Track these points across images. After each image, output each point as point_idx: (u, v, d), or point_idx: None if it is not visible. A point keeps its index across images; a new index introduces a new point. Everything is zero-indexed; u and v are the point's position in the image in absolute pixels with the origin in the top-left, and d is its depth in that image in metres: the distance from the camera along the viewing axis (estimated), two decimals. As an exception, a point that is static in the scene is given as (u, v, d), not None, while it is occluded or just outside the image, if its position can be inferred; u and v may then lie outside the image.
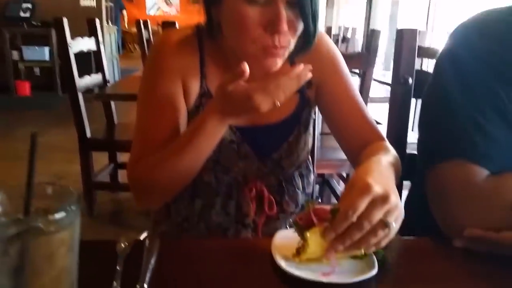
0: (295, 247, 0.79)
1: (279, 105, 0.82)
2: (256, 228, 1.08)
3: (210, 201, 1.06)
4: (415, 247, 0.91)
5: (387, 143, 1.02)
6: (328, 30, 6.05)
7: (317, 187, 2.85)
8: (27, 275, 0.49)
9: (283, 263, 0.76)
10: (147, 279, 0.71)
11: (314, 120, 1.23)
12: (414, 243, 0.92)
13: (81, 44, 2.76)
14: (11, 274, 0.48)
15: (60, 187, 0.53)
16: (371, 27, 7.40)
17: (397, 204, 0.72)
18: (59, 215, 0.49)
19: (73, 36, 2.62)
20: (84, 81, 2.76)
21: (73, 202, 0.51)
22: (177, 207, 1.10)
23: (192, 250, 0.86)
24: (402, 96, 1.36)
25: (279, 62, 0.90)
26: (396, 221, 0.73)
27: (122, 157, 3.34)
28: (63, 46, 2.57)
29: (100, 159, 3.14)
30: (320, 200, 2.81)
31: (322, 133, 2.55)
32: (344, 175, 2.81)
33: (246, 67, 0.79)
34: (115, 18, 10.61)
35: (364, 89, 2.37)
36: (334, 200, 2.86)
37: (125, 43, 11.01)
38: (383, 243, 0.74)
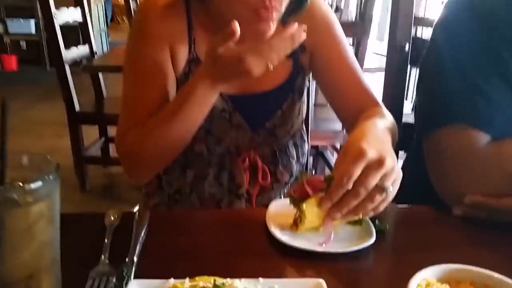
0: (291, 217, 0.77)
1: (272, 68, 0.78)
2: (250, 199, 1.06)
3: (202, 172, 1.03)
4: (413, 215, 0.89)
5: (384, 109, 0.99)
6: (321, 0, 5.91)
7: (310, 159, 2.83)
8: (5, 250, 0.45)
9: (278, 233, 0.74)
10: (137, 252, 0.68)
11: (308, 88, 1.18)
12: (413, 211, 0.90)
13: (66, 15, 2.67)
14: (-13, 249, 0.44)
15: (37, 156, 0.49)
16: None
17: (394, 167, 0.70)
18: (35, 185, 0.45)
19: (58, 7, 2.54)
20: (71, 53, 2.70)
21: (51, 172, 0.47)
22: (169, 178, 1.07)
23: (184, 222, 0.83)
24: (398, 63, 1.33)
25: (273, 27, 0.86)
26: (393, 185, 0.71)
27: (113, 130, 3.29)
28: (48, 17, 2.49)
29: (90, 133, 3.10)
30: (314, 172, 2.80)
31: (315, 104, 2.52)
32: (338, 146, 2.79)
33: (237, 26, 0.74)
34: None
35: (358, 59, 2.31)
36: (328, 172, 2.85)
37: (114, 15, 10.76)
38: (381, 208, 0.72)
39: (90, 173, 3.00)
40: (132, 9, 3.94)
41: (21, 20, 6.43)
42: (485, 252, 0.74)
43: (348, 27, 2.41)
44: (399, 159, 1.20)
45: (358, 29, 2.29)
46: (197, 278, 0.57)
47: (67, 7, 2.70)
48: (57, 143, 3.58)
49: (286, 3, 0.87)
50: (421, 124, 0.99)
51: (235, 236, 0.78)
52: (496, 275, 0.56)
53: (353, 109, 1.00)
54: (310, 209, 0.73)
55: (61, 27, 2.56)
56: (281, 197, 1.11)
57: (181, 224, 0.82)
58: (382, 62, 3.32)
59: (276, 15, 0.85)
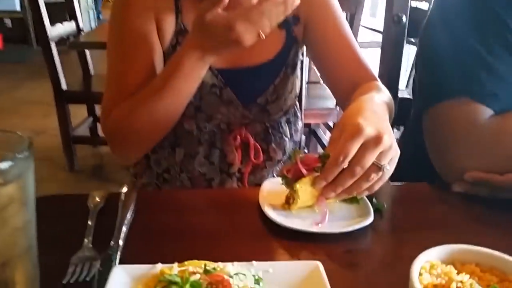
0: (285, 195, 0.73)
1: (264, 36, 0.74)
2: (242, 178, 1.02)
3: (192, 150, 0.99)
4: (410, 193, 0.86)
5: (380, 83, 0.94)
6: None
7: (303, 137, 2.80)
8: (-27, 236, 0.41)
9: (272, 214, 0.70)
10: (122, 235, 0.64)
11: (302, 62, 1.14)
12: (411, 188, 0.87)
13: (50, -10, 2.58)
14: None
15: (8, 133, 0.45)
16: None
17: (391, 145, 0.67)
18: (4, 165, 0.40)
19: (42, -19, 2.45)
20: (57, 30, 2.62)
21: (24, 150, 0.43)
22: (157, 157, 1.03)
23: (173, 202, 0.79)
24: (396, 36, 1.28)
25: None
26: (390, 163, 0.68)
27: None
28: (32, -8, 2.40)
29: (79, 113, 3.04)
30: (306, 151, 2.77)
31: (308, 82, 2.48)
32: (331, 124, 2.76)
33: None
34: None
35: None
36: (320, 150, 2.82)
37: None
38: (376, 187, 0.69)
39: (78, 153, 2.95)
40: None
41: (5, -4, 6.25)
42: (486, 230, 0.72)
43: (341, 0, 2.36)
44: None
45: (351, 2, 2.23)
46: (186, 262, 0.54)
47: (51, -18, 2.61)
48: (45, 122, 3.51)
49: None
50: (421, 99, 0.95)
51: (227, 217, 0.74)
52: (503, 255, 0.53)
53: (348, 84, 0.95)
54: (304, 188, 0.70)
55: (46, 3, 2.49)
56: (274, 176, 1.08)
57: (170, 205, 0.78)
58: (374, 37, 3.28)
59: None
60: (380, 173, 0.67)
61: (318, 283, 0.53)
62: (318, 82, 2.68)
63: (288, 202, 0.73)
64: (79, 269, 0.58)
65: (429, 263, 0.52)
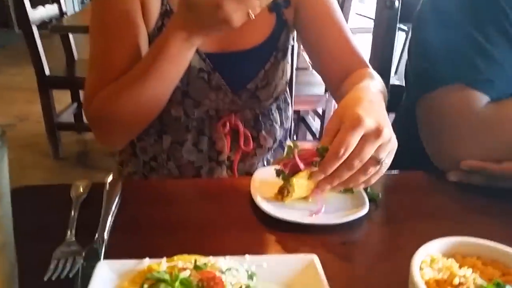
0: (277, 187, 0.71)
1: (253, 16, 0.70)
2: (232, 166, 1.00)
3: (179, 137, 0.96)
4: (405, 182, 0.84)
5: (372, 70, 0.92)
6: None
7: (292, 124, 2.78)
8: None
9: (265, 205, 0.68)
10: (107, 228, 0.61)
11: (293, 47, 1.10)
12: (405, 177, 0.85)
13: (31, -30, 2.49)
14: None
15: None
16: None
17: (390, 138, 0.65)
18: (-26, 156, 0.37)
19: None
20: (38, 13, 2.55)
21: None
22: (144, 145, 0.99)
23: (161, 192, 0.77)
24: (388, 21, 1.25)
25: None
26: (388, 156, 0.67)
27: (85, 95, 3.16)
28: (11, -28, 2.32)
29: (63, 99, 2.97)
30: (295, 137, 2.74)
31: (297, 68, 2.44)
32: (320, 111, 2.73)
33: None
34: None
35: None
36: (309, 137, 2.80)
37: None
38: (373, 181, 0.68)
39: (63, 139, 2.89)
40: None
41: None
42: (483, 220, 0.70)
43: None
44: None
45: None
46: (175, 257, 0.51)
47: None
48: (28, 108, 3.44)
49: None
50: (415, 86, 0.93)
51: (217, 207, 0.71)
52: (505, 248, 0.51)
53: (339, 70, 0.93)
54: (300, 182, 0.67)
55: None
56: (264, 164, 1.05)
57: (158, 195, 0.75)
58: (364, 23, 3.26)
59: None
60: (378, 167, 0.65)
61: (314, 278, 0.51)
62: (307, 68, 2.65)
63: (282, 194, 0.70)
64: (62, 264, 0.54)
65: (429, 256, 0.50)
